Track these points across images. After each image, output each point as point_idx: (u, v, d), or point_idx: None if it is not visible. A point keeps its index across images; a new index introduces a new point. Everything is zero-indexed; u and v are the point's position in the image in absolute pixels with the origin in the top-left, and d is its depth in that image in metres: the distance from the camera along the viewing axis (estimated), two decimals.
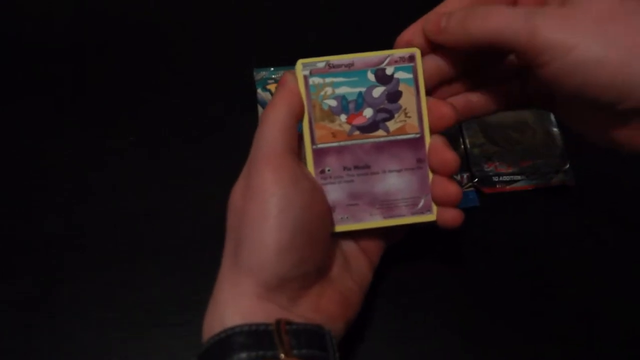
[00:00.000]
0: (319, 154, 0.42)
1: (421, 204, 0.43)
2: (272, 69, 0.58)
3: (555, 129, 0.56)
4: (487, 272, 0.50)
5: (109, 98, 0.57)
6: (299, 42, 0.61)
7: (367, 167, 0.43)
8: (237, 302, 0.38)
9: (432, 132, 0.43)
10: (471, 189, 0.54)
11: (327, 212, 0.42)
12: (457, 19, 0.39)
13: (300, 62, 0.42)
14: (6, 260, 0.49)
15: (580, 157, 0.55)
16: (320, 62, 0.42)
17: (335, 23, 0.63)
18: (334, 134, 0.42)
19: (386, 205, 0.43)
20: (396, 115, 0.43)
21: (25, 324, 0.47)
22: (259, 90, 0.57)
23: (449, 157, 0.42)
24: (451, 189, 0.42)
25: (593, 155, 0.55)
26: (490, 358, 0.47)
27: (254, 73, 0.58)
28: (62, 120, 0.55)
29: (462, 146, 0.56)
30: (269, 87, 0.57)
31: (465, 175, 0.54)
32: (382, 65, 0.42)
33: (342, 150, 0.42)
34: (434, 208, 0.43)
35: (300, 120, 0.41)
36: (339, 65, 0.42)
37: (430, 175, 0.43)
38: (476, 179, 0.54)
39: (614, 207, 0.54)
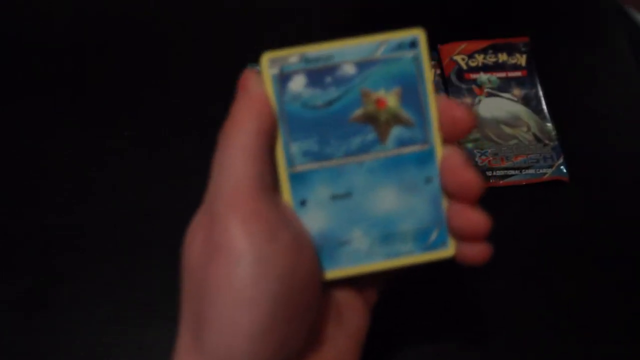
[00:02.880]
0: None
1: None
2: None
3: (548, 124, 0.53)
4: (480, 267, 0.47)
5: (108, 98, 0.54)
6: (296, 36, 0.56)
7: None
8: None
9: (444, 142, 0.32)
10: None
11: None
12: None
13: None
14: (6, 260, 0.46)
15: (574, 152, 0.52)
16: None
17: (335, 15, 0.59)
18: None
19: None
20: None
21: (25, 324, 0.44)
22: None
23: (468, 176, 0.30)
24: (474, 218, 0.31)
25: (587, 150, 0.53)
26: (481, 352, 0.45)
27: (249, 68, 0.54)
28: (62, 120, 0.52)
29: None
30: None
31: None
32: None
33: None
34: (451, 241, 0.32)
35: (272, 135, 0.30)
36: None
37: (445, 199, 0.32)
38: None
39: (608, 202, 0.51)
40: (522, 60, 0.56)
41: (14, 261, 0.46)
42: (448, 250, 0.32)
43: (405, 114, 0.31)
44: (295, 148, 0.31)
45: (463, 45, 0.57)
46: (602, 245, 0.49)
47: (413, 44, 0.31)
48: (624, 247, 0.49)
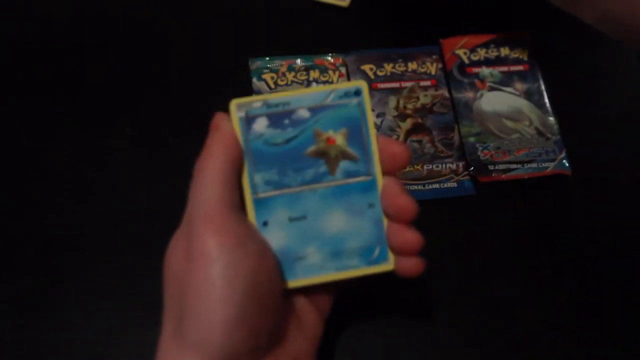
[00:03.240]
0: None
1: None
2: (267, 58, 0.55)
3: (551, 118, 0.53)
4: (482, 261, 0.47)
5: (108, 98, 0.53)
6: (295, 32, 0.57)
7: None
8: None
9: (384, 174, 0.37)
10: (467, 177, 0.51)
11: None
12: None
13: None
14: (6, 260, 0.46)
15: (576, 146, 0.52)
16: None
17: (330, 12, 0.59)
18: None
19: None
20: None
21: (25, 324, 0.44)
22: (254, 80, 0.54)
23: (403, 202, 0.36)
24: (409, 237, 0.36)
25: (589, 144, 0.53)
26: (482, 351, 0.44)
27: (249, 62, 0.55)
28: (62, 120, 0.52)
29: (458, 134, 0.52)
30: (264, 76, 0.54)
31: (460, 164, 0.51)
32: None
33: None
34: (391, 257, 0.37)
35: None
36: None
37: (385, 221, 0.37)
38: (472, 168, 0.51)
39: (609, 196, 0.51)
40: (524, 54, 0.56)
41: (14, 261, 0.46)
42: (389, 264, 0.37)
43: (351, 150, 0.37)
44: (258, 178, 0.36)
45: (465, 40, 0.56)
46: (604, 240, 0.48)
47: (357, 93, 0.37)
48: (625, 241, 0.48)
